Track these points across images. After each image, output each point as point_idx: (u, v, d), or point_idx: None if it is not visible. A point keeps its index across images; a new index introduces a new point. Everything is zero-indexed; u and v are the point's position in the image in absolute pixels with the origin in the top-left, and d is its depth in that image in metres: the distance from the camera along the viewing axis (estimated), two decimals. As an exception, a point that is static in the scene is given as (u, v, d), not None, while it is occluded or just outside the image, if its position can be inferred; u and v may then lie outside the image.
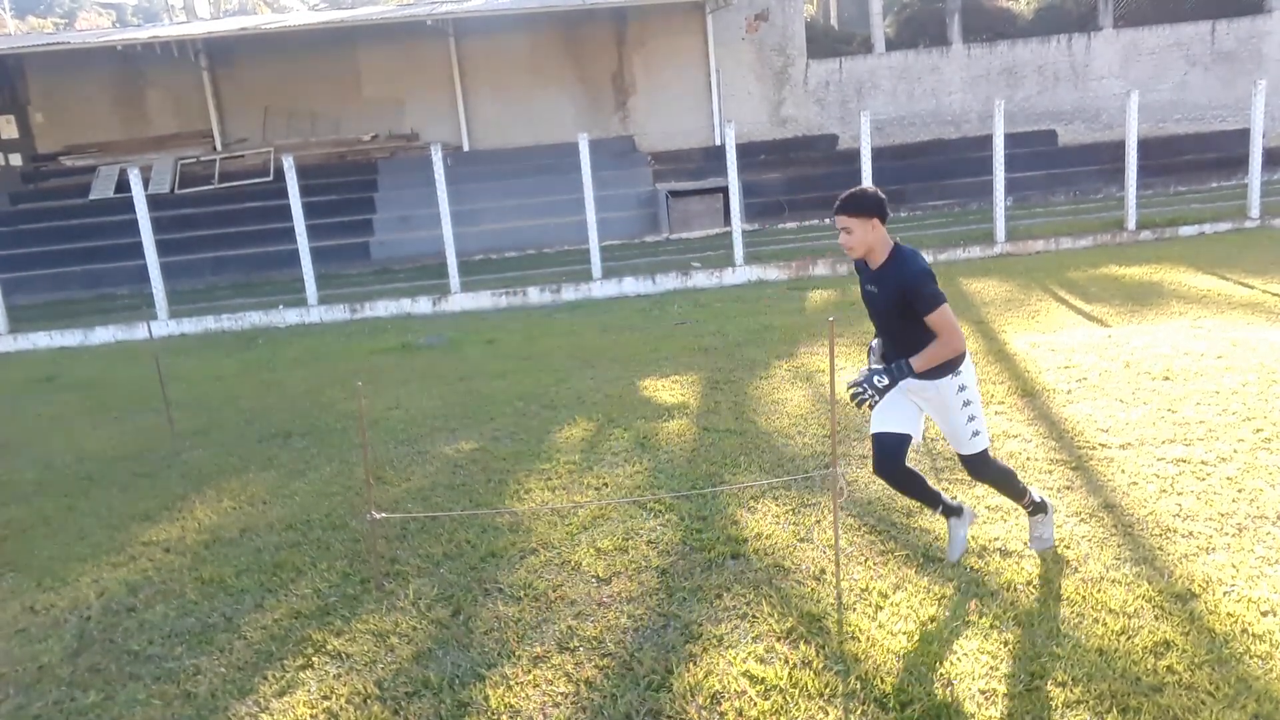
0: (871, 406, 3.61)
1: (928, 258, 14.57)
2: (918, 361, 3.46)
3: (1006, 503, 4.47)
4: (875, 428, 3.72)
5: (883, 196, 3.56)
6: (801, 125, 20.73)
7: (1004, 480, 3.86)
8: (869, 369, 3.55)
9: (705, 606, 3.73)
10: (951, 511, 3.91)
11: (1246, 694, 2.95)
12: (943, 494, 3.90)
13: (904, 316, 3.52)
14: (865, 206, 3.51)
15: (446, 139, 19.92)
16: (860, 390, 3.51)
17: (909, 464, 3.79)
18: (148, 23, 40.13)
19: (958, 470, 4.94)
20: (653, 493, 5.01)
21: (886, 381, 3.50)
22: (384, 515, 4.58)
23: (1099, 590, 3.62)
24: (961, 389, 3.62)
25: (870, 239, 3.54)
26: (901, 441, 3.70)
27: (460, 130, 20.31)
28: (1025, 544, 4.02)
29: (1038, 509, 3.92)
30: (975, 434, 3.69)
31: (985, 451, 3.74)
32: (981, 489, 4.66)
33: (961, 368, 3.60)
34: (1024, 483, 3.90)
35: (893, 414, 3.69)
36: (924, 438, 5.49)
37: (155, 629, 3.96)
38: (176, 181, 19.09)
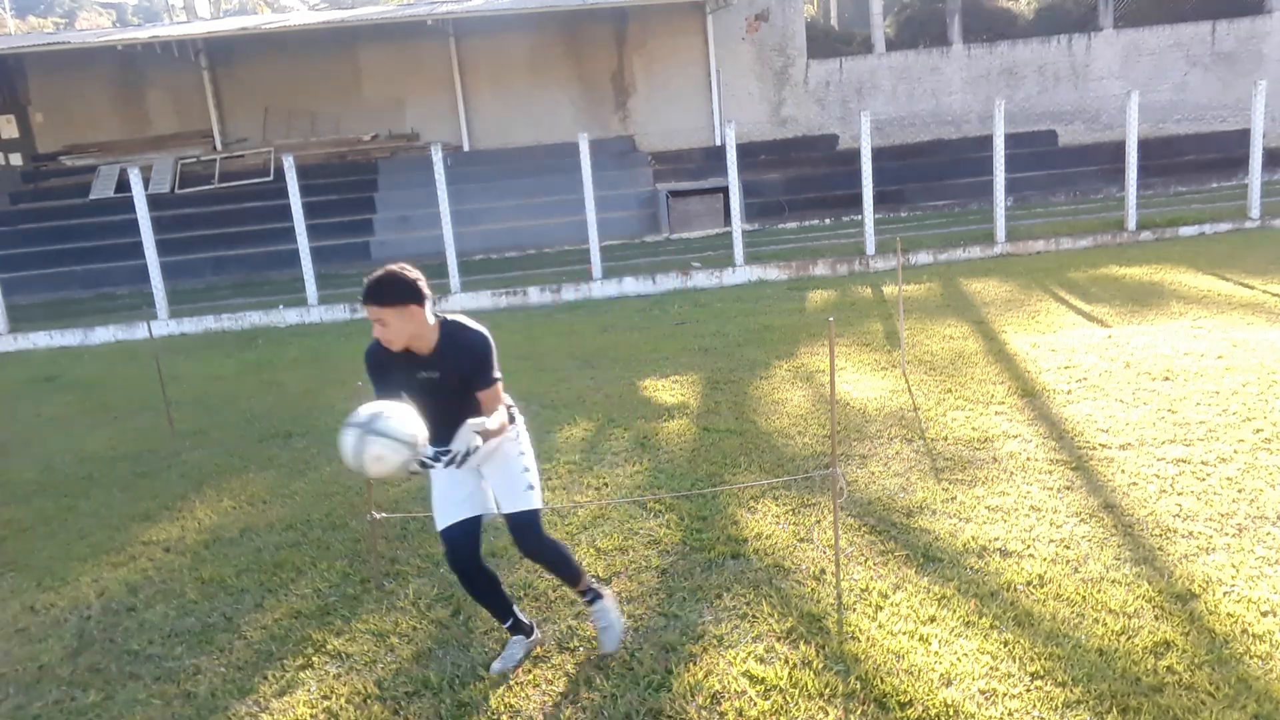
0: (459, 464, 3.07)
1: (928, 258, 14.51)
2: (491, 422, 3.07)
3: (1007, 502, 4.47)
4: (443, 522, 3.29)
5: (417, 275, 3.07)
6: (802, 125, 20.73)
7: (558, 554, 3.40)
8: (445, 452, 3.02)
9: (705, 606, 3.73)
10: (520, 629, 3.49)
11: (1246, 694, 2.95)
12: (516, 607, 3.50)
13: (466, 395, 3.15)
14: (401, 295, 3.02)
15: (446, 139, 19.92)
16: (451, 455, 3.00)
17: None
18: (148, 23, 40.14)
19: (957, 471, 4.94)
20: (653, 493, 5.01)
21: (478, 442, 3.03)
22: (384, 515, 4.58)
23: (1099, 590, 3.62)
24: (517, 437, 3.36)
25: (412, 328, 3.06)
26: (478, 526, 3.35)
27: (460, 130, 20.31)
28: (598, 645, 3.47)
29: (595, 597, 3.44)
30: (530, 486, 3.32)
31: (539, 514, 3.34)
32: (982, 489, 4.66)
33: (518, 420, 3.38)
34: (580, 565, 3.50)
35: (455, 498, 3.30)
36: (925, 437, 5.50)
37: (155, 629, 3.96)
38: (176, 181, 19.09)
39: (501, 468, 3.33)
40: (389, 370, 3.19)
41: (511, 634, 3.48)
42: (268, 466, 6.14)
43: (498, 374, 3.20)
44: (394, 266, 3.09)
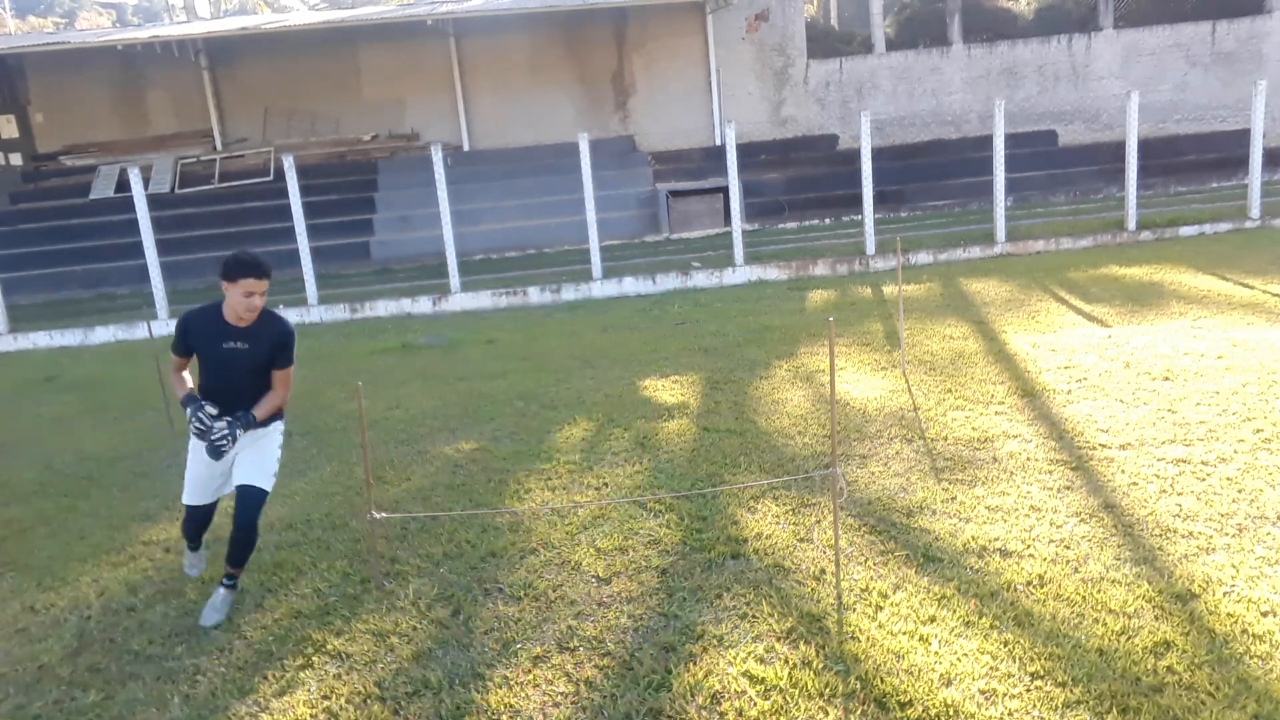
0: (228, 449, 3.75)
1: (928, 258, 14.54)
2: (261, 409, 3.81)
3: (1007, 502, 4.48)
4: (191, 499, 4.02)
5: None
6: (802, 125, 20.73)
7: (253, 540, 4.02)
8: (220, 420, 3.69)
9: (705, 606, 3.73)
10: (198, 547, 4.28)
11: (1246, 694, 2.95)
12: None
13: (263, 371, 3.84)
14: (268, 271, 3.81)
15: (447, 139, 19.92)
16: (222, 441, 3.69)
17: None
18: (148, 23, 40.14)
19: (957, 471, 4.94)
20: (653, 493, 5.01)
21: (240, 429, 3.75)
22: (384, 515, 4.58)
23: (1099, 590, 3.62)
24: (282, 432, 4.06)
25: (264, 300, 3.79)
26: (212, 511, 4.13)
27: (460, 130, 20.32)
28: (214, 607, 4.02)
29: (233, 586, 4.05)
30: (274, 473, 3.98)
31: (267, 496, 3.96)
32: (982, 489, 4.67)
33: (284, 419, 4.07)
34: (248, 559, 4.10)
35: (208, 486, 4.01)
36: (925, 437, 5.50)
37: (155, 629, 3.96)
38: (176, 181, 19.10)
39: (259, 449, 3.94)
40: (198, 337, 3.82)
41: (190, 548, 4.29)
42: (268, 466, 6.14)
43: (293, 360, 3.89)
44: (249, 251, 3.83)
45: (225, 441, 3.70)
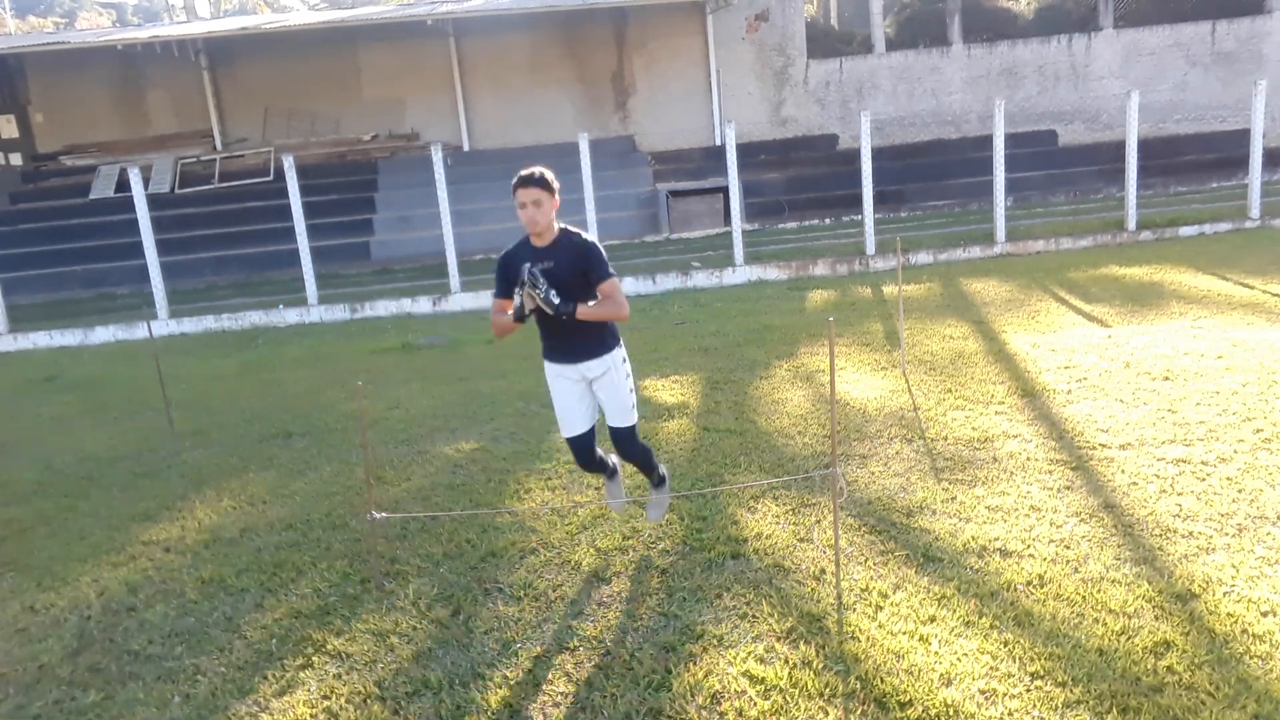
0: (533, 286, 3.61)
1: (928, 258, 14.50)
2: (585, 308, 3.69)
3: (1007, 502, 4.48)
4: (568, 431, 4.12)
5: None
6: (801, 125, 20.73)
7: (646, 457, 4.24)
8: (530, 270, 3.62)
9: (705, 606, 3.73)
10: (615, 474, 4.41)
11: (1246, 694, 2.95)
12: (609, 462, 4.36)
13: (578, 287, 3.74)
14: (548, 184, 3.72)
15: (447, 139, 19.92)
16: (535, 282, 3.59)
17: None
18: (148, 23, 40.14)
19: (957, 471, 4.94)
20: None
21: (556, 301, 3.62)
22: (384, 515, 4.58)
23: (1099, 590, 3.62)
24: (625, 360, 4.02)
25: (550, 215, 3.76)
26: (592, 433, 4.14)
27: (460, 130, 20.32)
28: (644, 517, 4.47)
29: (663, 481, 4.38)
30: (633, 406, 4.05)
31: (636, 426, 4.10)
32: (982, 489, 4.67)
33: (621, 342, 4.02)
34: (658, 461, 4.37)
35: (574, 412, 4.07)
36: (925, 437, 5.50)
37: (155, 629, 3.96)
38: (176, 181, 19.10)
39: (612, 389, 3.99)
40: (512, 267, 3.75)
41: (607, 479, 4.41)
42: (268, 466, 6.14)
43: (612, 270, 3.79)
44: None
45: (537, 286, 3.58)
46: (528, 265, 3.63)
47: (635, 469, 4.47)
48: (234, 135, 20.36)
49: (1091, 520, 4.24)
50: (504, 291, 3.85)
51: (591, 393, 4.03)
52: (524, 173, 3.73)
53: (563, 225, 3.82)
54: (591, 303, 3.72)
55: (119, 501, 5.69)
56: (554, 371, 4.03)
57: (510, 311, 3.72)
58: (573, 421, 4.07)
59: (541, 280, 3.60)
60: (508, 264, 3.83)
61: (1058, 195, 17.83)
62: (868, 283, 11.91)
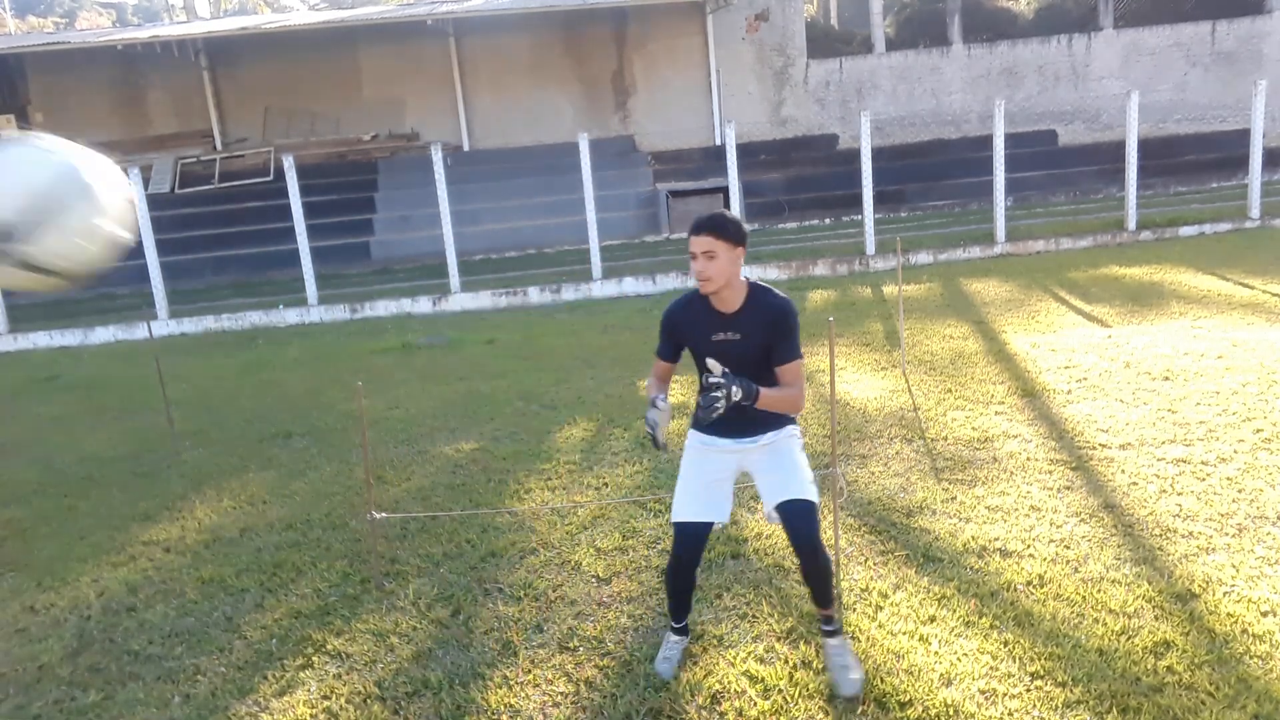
0: (724, 405, 2.85)
1: (928, 258, 14.51)
2: (768, 393, 2.93)
3: (1007, 502, 4.48)
4: (680, 515, 3.16)
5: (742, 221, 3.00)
6: (801, 125, 20.73)
7: (829, 564, 3.12)
8: (716, 380, 2.86)
9: (705, 606, 3.73)
10: (685, 631, 3.39)
11: (1246, 694, 2.95)
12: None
13: (762, 365, 3.02)
14: (733, 232, 2.93)
15: (446, 139, 19.92)
16: (717, 396, 2.83)
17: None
18: (148, 22, 40.13)
19: (957, 471, 4.94)
20: (653, 493, 5.01)
21: (740, 394, 2.85)
22: (384, 515, 4.58)
23: (1099, 590, 3.62)
24: (799, 437, 3.24)
25: (730, 271, 2.94)
26: (707, 531, 3.20)
27: (460, 130, 20.32)
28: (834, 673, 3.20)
29: (836, 631, 3.21)
30: (812, 480, 3.13)
31: (818, 507, 3.12)
32: (982, 489, 4.66)
33: (798, 426, 3.25)
34: (836, 590, 3.36)
35: (704, 499, 3.16)
36: (925, 437, 5.50)
37: (155, 629, 3.96)
38: (177, 181, 19.10)
39: (781, 463, 3.13)
40: (683, 331, 3.10)
41: (675, 634, 3.36)
42: (268, 466, 6.14)
43: (800, 351, 3.03)
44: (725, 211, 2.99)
45: (719, 395, 2.81)
46: (723, 372, 2.86)
47: (806, 587, 3.19)
48: (234, 135, 20.36)
49: (1091, 520, 4.24)
50: (668, 352, 3.17)
51: (733, 482, 3.26)
52: (699, 217, 2.96)
53: (751, 282, 3.03)
54: (775, 390, 2.97)
55: (119, 501, 5.69)
56: (703, 442, 3.21)
57: (652, 437, 3.07)
58: (700, 504, 3.15)
59: (734, 389, 2.83)
60: (675, 324, 3.11)
61: (1058, 195, 17.84)
62: (868, 283, 11.91)
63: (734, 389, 2.83)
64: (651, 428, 3.08)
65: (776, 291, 3.06)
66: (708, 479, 3.19)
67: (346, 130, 20.34)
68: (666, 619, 3.43)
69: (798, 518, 3.02)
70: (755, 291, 3.04)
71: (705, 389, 2.86)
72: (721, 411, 2.84)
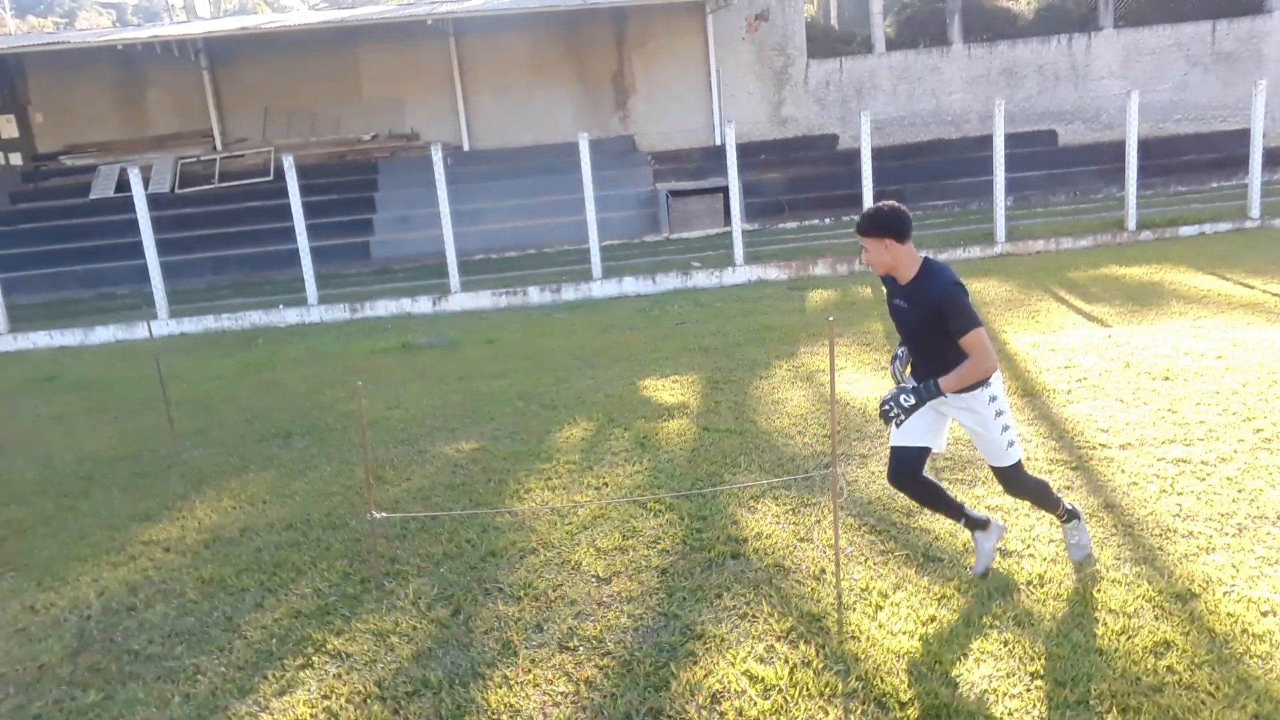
0: (898, 424, 3.60)
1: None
2: (946, 382, 3.43)
3: (1007, 503, 4.48)
4: (894, 440, 3.70)
5: (900, 213, 3.48)
6: (801, 125, 20.73)
7: (1039, 493, 3.79)
8: (898, 387, 3.55)
9: (705, 606, 3.73)
10: (976, 524, 3.80)
11: (1246, 694, 2.95)
12: (966, 506, 3.82)
13: (934, 333, 3.48)
14: (878, 227, 3.47)
15: (446, 139, 19.91)
16: (889, 409, 3.52)
17: (930, 476, 3.79)
18: (148, 22, 40.14)
19: (957, 471, 4.94)
20: (653, 493, 5.01)
21: (913, 401, 3.49)
22: (384, 515, 4.58)
23: (1099, 590, 3.62)
24: (993, 399, 3.57)
25: (887, 258, 3.50)
26: (920, 454, 3.70)
27: (460, 130, 20.31)
28: (1061, 551, 3.94)
29: (1071, 516, 3.85)
30: (1010, 444, 3.60)
31: (1020, 464, 3.66)
32: (982, 489, 4.67)
33: (992, 379, 3.56)
34: (1058, 494, 3.85)
35: (913, 425, 3.64)
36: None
37: (155, 629, 3.96)
38: (176, 181, 19.09)
39: (977, 425, 3.61)
40: (888, 294, 3.67)
41: (971, 530, 3.84)
42: (268, 466, 6.14)
43: (973, 321, 3.40)
44: (886, 204, 3.52)
45: (892, 409, 3.50)
46: (899, 392, 3.50)
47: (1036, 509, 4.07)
48: (234, 135, 20.35)
49: (1091, 520, 4.24)
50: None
51: (945, 421, 3.73)
52: (863, 214, 3.56)
53: (926, 259, 3.53)
54: (952, 373, 3.42)
55: (119, 501, 5.69)
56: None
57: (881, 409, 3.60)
58: (906, 430, 3.66)
59: (909, 399, 3.48)
60: (887, 285, 3.70)
61: (1058, 195, 17.82)
62: (868, 282, 11.91)
63: (907, 401, 3.50)
64: (886, 404, 3.57)
65: (943, 273, 3.50)
66: (920, 415, 3.63)
67: (346, 130, 20.33)
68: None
69: (1006, 482, 3.72)
70: (925, 271, 3.52)
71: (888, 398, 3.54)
72: (902, 417, 3.55)
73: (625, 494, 5.04)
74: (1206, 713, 2.87)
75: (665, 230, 17.34)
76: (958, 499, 3.84)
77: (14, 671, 3.72)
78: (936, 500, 3.78)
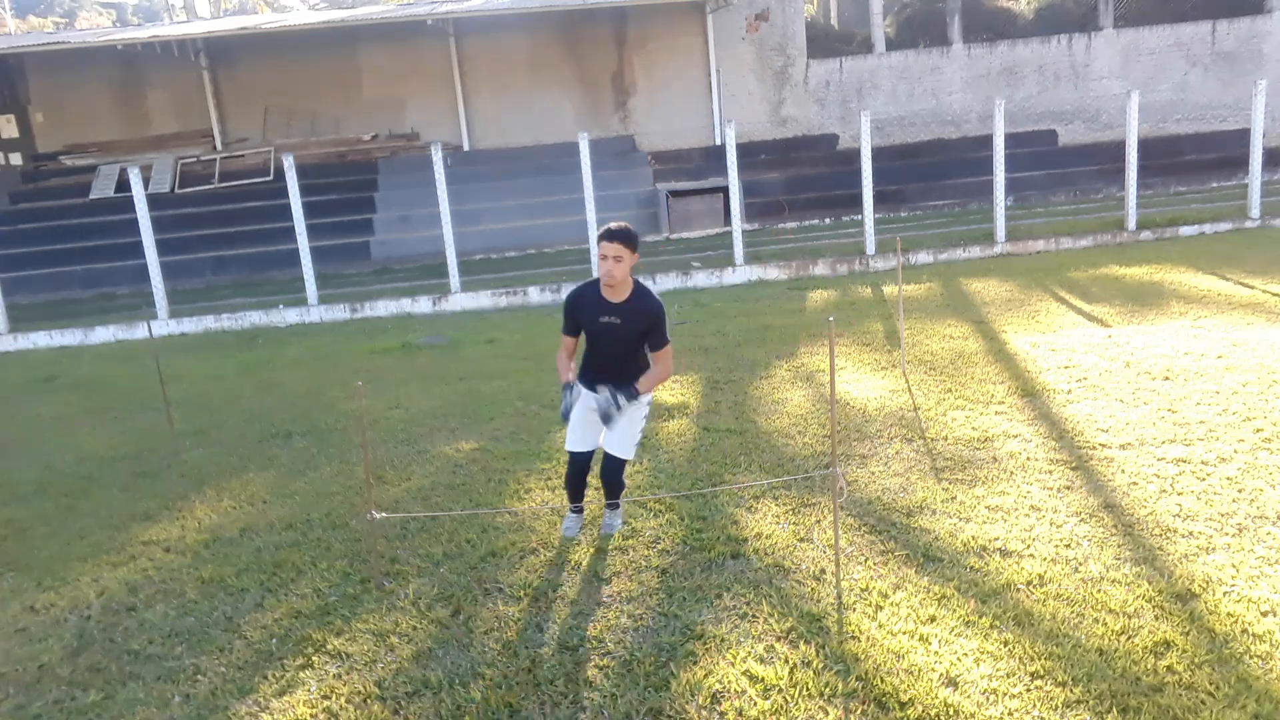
0: (613, 409, 4.12)
1: (928, 258, 14.50)
2: (645, 384, 4.14)
3: (1007, 502, 4.48)
4: (571, 446, 4.33)
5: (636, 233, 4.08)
6: (801, 125, 20.73)
7: (620, 487, 4.42)
8: (610, 392, 4.08)
9: (705, 606, 3.73)
10: (580, 510, 4.52)
11: (1246, 694, 2.95)
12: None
13: (638, 345, 4.13)
14: (630, 240, 3.97)
15: (447, 139, 19.92)
16: (608, 409, 4.07)
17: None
18: (148, 22, 40.15)
19: (957, 471, 4.94)
20: (653, 493, 5.01)
21: (624, 402, 4.08)
22: (384, 515, 4.58)
23: (1099, 590, 3.62)
24: (649, 402, 4.34)
25: (626, 270, 4.00)
26: (591, 454, 4.37)
27: (460, 130, 20.31)
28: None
29: (617, 507, 4.51)
30: (637, 442, 4.35)
31: (629, 461, 4.39)
32: (982, 489, 4.67)
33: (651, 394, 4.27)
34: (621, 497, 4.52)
35: (586, 433, 4.28)
36: (925, 437, 5.50)
37: (155, 629, 3.96)
38: (177, 181, 19.09)
39: (631, 419, 4.24)
40: (581, 311, 4.13)
41: (573, 510, 4.53)
42: (268, 466, 6.14)
43: (669, 335, 4.16)
44: (626, 223, 4.06)
45: (611, 409, 4.05)
46: (608, 392, 4.07)
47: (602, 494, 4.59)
48: (234, 135, 20.35)
49: (1091, 520, 4.24)
50: (570, 329, 4.21)
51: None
52: (611, 226, 4.00)
53: (637, 280, 4.08)
54: (644, 378, 4.15)
55: (119, 501, 5.69)
56: (583, 393, 4.27)
57: (562, 408, 4.15)
58: (580, 438, 4.30)
59: (622, 400, 4.06)
60: (576, 306, 4.16)
61: (1058, 195, 17.83)
62: (868, 282, 11.91)
63: (620, 400, 4.06)
64: (566, 410, 4.16)
65: (649, 292, 4.12)
66: (586, 417, 4.23)
67: (346, 130, 20.33)
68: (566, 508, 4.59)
69: (612, 470, 4.32)
70: (638, 292, 4.08)
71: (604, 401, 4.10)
72: (612, 409, 4.11)
73: (625, 494, 5.03)
74: (1206, 713, 2.87)
75: (665, 230, 17.34)
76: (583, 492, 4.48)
77: (14, 671, 3.72)
78: (579, 487, 4.45)
